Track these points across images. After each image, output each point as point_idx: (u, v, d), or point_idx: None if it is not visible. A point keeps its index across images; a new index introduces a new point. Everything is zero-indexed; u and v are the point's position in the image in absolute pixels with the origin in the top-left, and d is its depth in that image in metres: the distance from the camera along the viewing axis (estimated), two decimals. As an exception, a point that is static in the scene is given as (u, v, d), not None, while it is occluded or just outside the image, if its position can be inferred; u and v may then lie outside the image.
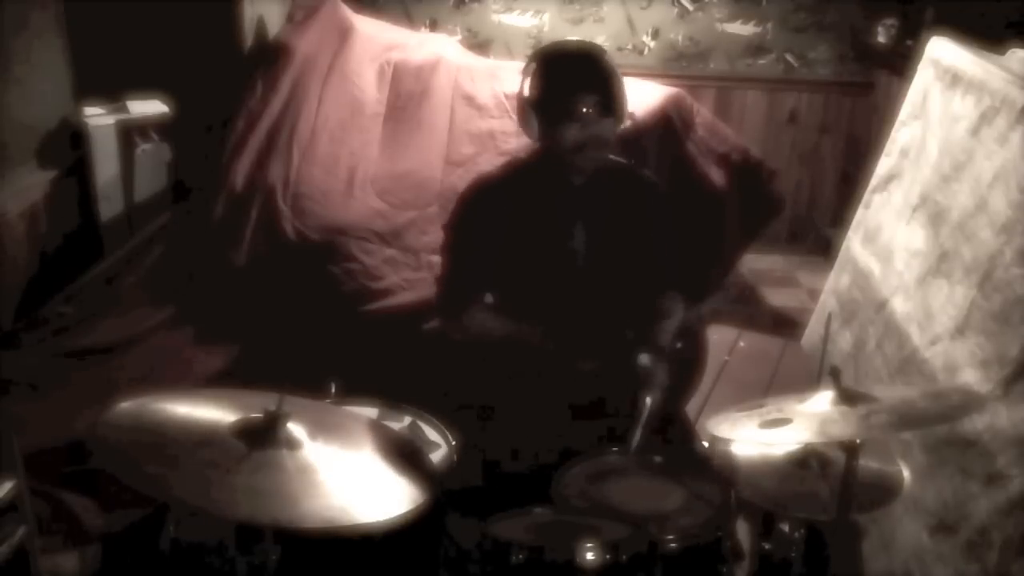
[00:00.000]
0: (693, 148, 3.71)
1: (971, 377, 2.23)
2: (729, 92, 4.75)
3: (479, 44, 4.69)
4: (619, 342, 2.08)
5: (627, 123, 2.10)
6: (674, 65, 4.74)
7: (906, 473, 1.82)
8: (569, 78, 2.03)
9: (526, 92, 2.06)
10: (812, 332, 3.61)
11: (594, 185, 2.13)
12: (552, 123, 2.03)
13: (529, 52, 4.50)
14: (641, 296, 2.21)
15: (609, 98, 2.01)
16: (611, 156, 2.18)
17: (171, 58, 3.57)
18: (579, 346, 2.09)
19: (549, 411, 2.04)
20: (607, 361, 2.07)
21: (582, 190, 2.13)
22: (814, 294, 3.93)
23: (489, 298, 2.21)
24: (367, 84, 3.80)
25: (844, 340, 3.13)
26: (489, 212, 2.14)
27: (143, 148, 3.61)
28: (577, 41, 2.25)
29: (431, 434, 1.97)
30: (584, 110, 1.99)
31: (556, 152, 2.06)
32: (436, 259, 3.21)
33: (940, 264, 2.61)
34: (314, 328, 3.05)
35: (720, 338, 3.77)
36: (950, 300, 2.47)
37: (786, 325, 3.98)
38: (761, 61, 4.77)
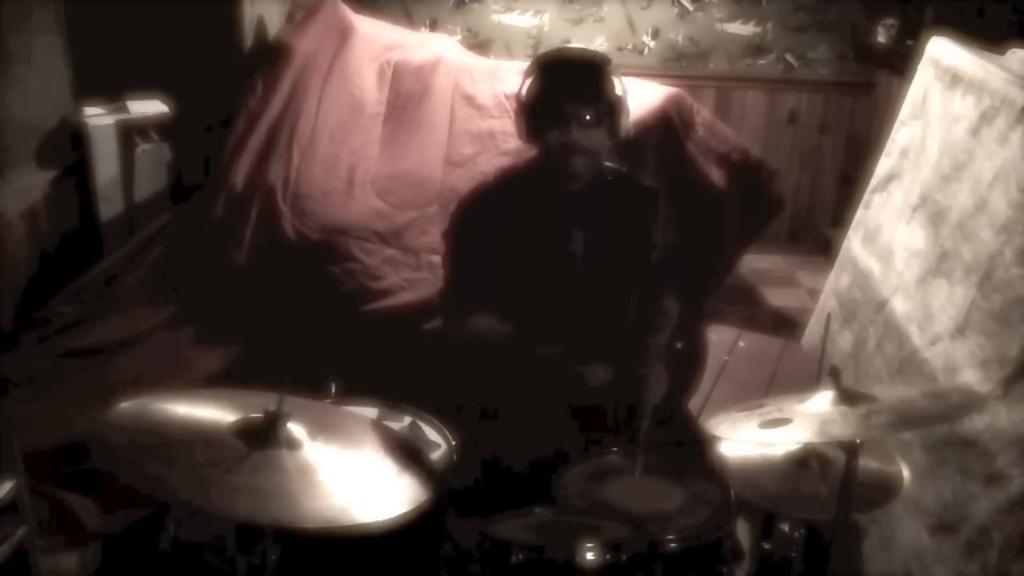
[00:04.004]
0: (693, 148, 3.71)
1: (971, 377, 2.23)
2: (729, 92, 4.75)
3: (479, 44, 4.69)
4: (624, 348, 2.09)
5: (626, 133, 2.10)
6: (674, 65, 4.74)
7: (906, 473, 1.82)
8: (559, 84, 2.05)
9: (523, 94, 2.08)
10: (812, 332, 3.61)
11: (592, 192, 2.14)
12: (538, 125, 2.04)
13: (529, 52, 4.56)
14: (640, 300, 2.21)
15: (599, 108, 2.02)
16: (609, 164, 2.19)
17: (171, 58, 3.57)
18: (585, 353, 2.09)
19: (549, 411, 2.04)
20: (618, 369, 2.07)
21: (580, 196, 2.14)
22: (814, 294, 3.93)
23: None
24: (367, 84, 3.80)
25: (844, 340, 3.13)
26: (486, 219, 2.15)
27: (143, 148, 3.61)
28: (579, 49, 2.27)
29: (431, 434, 1.97)
30: (571, 117, 2.00)
31: (545, 155, 2.07)
32: (436, 259, 3.21)
33: (940, 264, 2.61)
34: (314, 328, 3.05)
35: (720, 338, 3.77)
36: (950, 300, 2.47)
37: (786, 325, 3.98)
38: (761, 61, 4.77)
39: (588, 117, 2.01)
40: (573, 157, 2.04)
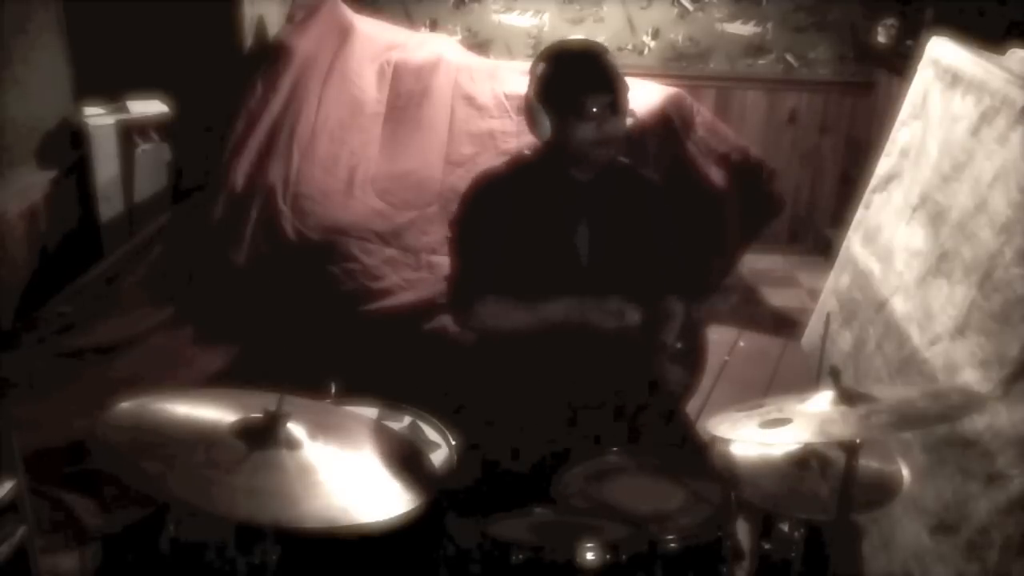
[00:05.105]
0: (693, 148, 3.71)
1: (971, 377, 2.23)
2: (729, 92, 4.75)
3: (479, 44, 4.69)
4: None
5: (630, 120, 2.11)
6: (674, 65, 4.74)
7: (906, 473, 1.82)
8: (582, 77, 2.05)
9: (535, 92, 2.07)
10: (812, 332, 3.61)
11: (597, 184, 2.14)
12: (566, 122, 2.04)
13: (529, 52, 4.55)
14: (644, 294, 2.21)
15: (617, 95, 2.03)
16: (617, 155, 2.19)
17: (171, 58, 3.57)
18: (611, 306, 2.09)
19: (549, 411, 2.04)
20: (647, 312, 2.09)
21: (586, 188, 2.14)
22: (814, 294, 3.93)
23: None
24: (367, 84, 3.80)
25: (844, 340, 3.13)
26: (493, 208, 2.15)
27: (143, 148, 3.61)
28: (581, 40, 2.27)
29: (431, 434, 1.97)
30: (596, 109, 2.01)
31: (567, 150, 2.07)
32: (436, 259, 3.22)
33: (940, 264, 2.61)
34: (314, 328, 3.05)
35: (720, 338, 3.77)
36: (950, 300, 2.47)
37: (786, 325, 3.98)
38: (761, 61, 4.77)
39: (609, 106, 2.02)
40: (600, 147, 2.05)
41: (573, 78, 2.05)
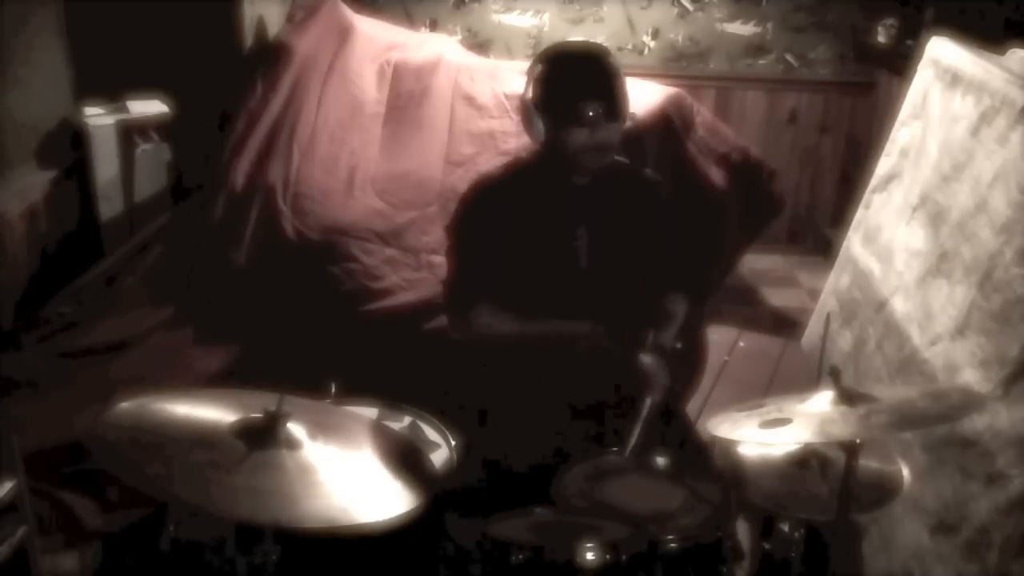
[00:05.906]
0: (693, 148, 3.71)
1: (971, 377, 2.23)
2: (729, 92, 4.75)
3: (479, 44, 4.69)
4: (624, 340, 2.08)
5: (629, 123, 2.09)
6: (674, 65, 4.74)
7: (906, 473, 1.82)
8: (577, 82, 2.03)
9: (530, 94, 2.06)
10: (812, 332, 3.61)
11: (597, 186, 2.13)
12: (559, 127, 2.03)
13: (529, 52, 4.56)
14: (644, 296, 2.21)
15: (614, 102, 2.01)
16: (614, 157, 2.18)
17: (171, 58, 3.57)
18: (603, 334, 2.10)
19: (549, 411, 2.04)
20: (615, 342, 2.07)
21: (585, 191, 2.13)
22: (814, 294, 3.93)
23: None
24: (367, 84, 3.80)
25: (844, 340, 3.13)
26: (491, 213, 2.14)
27: (143, 148, 3.61)
28: (582, 43, 2.25)
29: (431, 434, 1.97)
30: (591, 114, 1.99)
31: (561, 154, 2.06)
32: (436, 259, 3.22)
33: (940, 264, 2.61)
34: (314, 328, 3.05)
35: (720, 338, 3.77)
36: (950, 300, 2.47)
37: (786, 325, 3.98)
38: (761, 61, 4.77)
39: (604, 112, 2.00)
40: (592, 153, 2.04)
41: (568, 82, 2.03)
